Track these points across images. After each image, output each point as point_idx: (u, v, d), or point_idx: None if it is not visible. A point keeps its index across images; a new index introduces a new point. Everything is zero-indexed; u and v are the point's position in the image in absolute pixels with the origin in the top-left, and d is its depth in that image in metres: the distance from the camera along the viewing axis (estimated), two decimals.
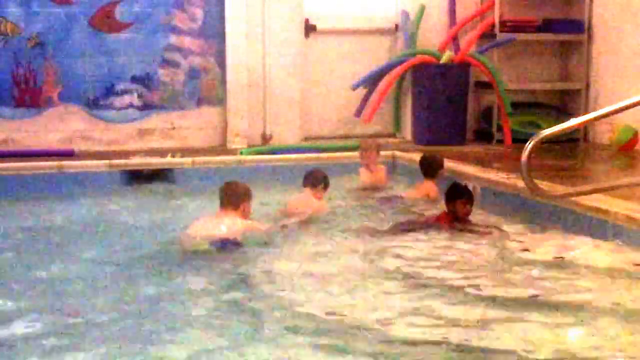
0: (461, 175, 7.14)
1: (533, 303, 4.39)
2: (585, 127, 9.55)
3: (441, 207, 6.15)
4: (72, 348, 3.81)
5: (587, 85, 9.86)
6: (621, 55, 9.34)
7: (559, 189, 6.07)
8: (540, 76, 10.20)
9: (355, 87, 9.42)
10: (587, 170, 8.22)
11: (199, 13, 9.29)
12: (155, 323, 4.15)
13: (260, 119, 9.51)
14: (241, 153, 8.65)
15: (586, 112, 9.24)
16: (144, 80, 9.21)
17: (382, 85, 9.45)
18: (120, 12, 9.09)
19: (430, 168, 7.05)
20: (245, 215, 5.66)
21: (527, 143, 5.26)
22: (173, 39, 9.25)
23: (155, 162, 8.15)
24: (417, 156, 7.49)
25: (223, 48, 9.31)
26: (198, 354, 3.76)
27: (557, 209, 5.91)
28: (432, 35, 9.78)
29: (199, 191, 7.34)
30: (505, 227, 5.99)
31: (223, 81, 9.37)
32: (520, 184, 5.79)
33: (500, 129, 9.61)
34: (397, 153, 8.49)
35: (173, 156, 8.34)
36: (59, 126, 9.03)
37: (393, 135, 9.99)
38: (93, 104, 9.11)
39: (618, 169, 8.03)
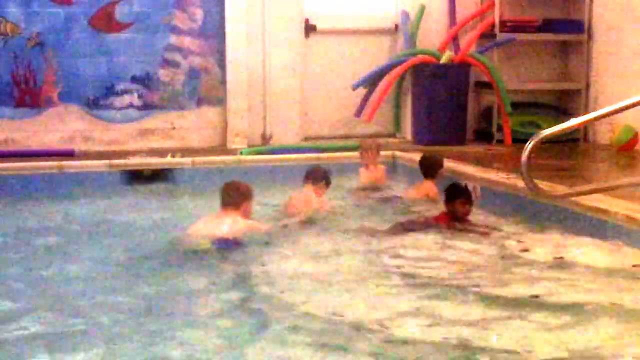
0: (461, 175, 7.13)
1: (533, 303, 4.39)
2: (585, 127, 9.55)
3: (441, 207, 6.14)
4: (72, 348, 3.81)
5: (587, 85, 9.86)
6: (621, 55, 9.34)
7: (559, 189, 6.07)
8: (540, 76, 10.20)
9: (355, 87, 9.43)
10: (587, 170, 8.22)
11: (199, 13, 9.30)
12: (155, 323, 4.16)
13: (260, 119, 9.52)
14: (241, 153, 8.65)
15: (586, 112, 9.25)
16: (144, 80, 9.22)
17: (382, 85, 9.46)
18: (120, 12, 9.10)
19: (430, 168, 7.04)
20: (246, 215, 5.65)
21: (527, 143, 5.26)
22: (173, 39, 9.26)
23: (155, 162, 8.15)
24: (417, 156, 7.48)
25: (223, 48, 9.31)
26: (198, 354, 3.76)
27: (557, 209, 5.91)
28: (432, 35, 9.78)
29: (199, 191, 7.34)
30: (505, 227, 5.99)
31: (223, 81, 9.37)
32: (520, 184, 5.79)
33: (500, 129, 9.62)
34: (397, 153, 8.49)
35: (173, 156, 8.34)
36: (59, 126, 9.03)
37: (393, 135, 9.99)
38: (93, 104, 9.12)
39: (618, 169, 8.03)
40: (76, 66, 9.03)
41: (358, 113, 9.51)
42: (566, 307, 4.30)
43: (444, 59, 9.42)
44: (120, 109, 9.18)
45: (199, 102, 9.40)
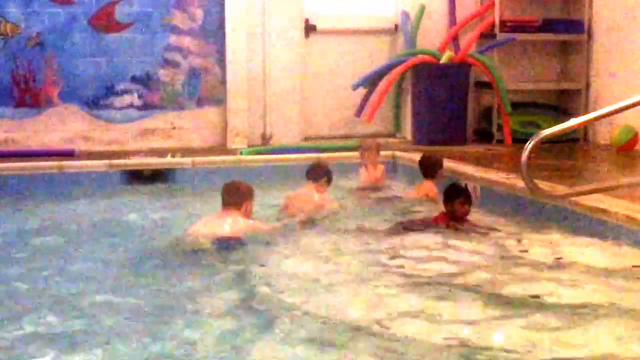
0: (461, 175, 7.14)
1: (533, 303, 4.39)
2: (585, 127, 9.55)
3: (441, 207, 6.14)
4: (72, 348, 3.81)
5: (587, 85, 9.86)
6: (621, 55, 9.34)
7: (559, 189, 6.07)
8: (540, 76, 10.20)
9: (355, 87, 9.43)
10: (587, 170, 8.22)
11: (199, 13, 9.30)
12: (155, 323, 4.15)
13: (260, 119, 9.52)
14: (241, 153, 8.65)
15: (586, 112, 9.25)
16: (144, 80, 9.22)
17: (382, 85, 9.46)
18: (120, 12, 9.10)
19: (430, 168, 7.04)
20: (248, 214, 5.66)
21: (527, 143, 5.26)
22: (173, 39, 9.26)
23: (155, 162, 8.15)
24: (417, 156, 7.48)
25: (223, 48, 9.32)
26: (198, 353, 3.76)
27: (557, 209, 5.91)
28: (432, 35, 9.78)
29: (199, 191, 7.35)
30: (505, 227, 5.99)
31: (223, 81, 9.37)
32: (520, 184, 5.79)
33: (500, 129, 9.62)
34: (397, 153, 8.49)
35: (173, 156, 8.34)
36: (59, 126, 9.04)
37: (393, 135, 9.99)
38: (93, 104, 9.12)
39: (618, 169, 8.03)
40: (76, 66, 9.03)
41: (358, 113, 9.51)
42: (566, 307, 4.30)
43: (444, 59, 9.42)
44: (121, 109, 9.18)
45: (199, 102, 9.40)
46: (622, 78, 9.19)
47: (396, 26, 9.96)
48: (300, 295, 4.56)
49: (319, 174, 6.52)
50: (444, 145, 9.03)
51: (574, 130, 8.58)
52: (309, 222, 6.15)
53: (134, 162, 8.08)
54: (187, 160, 8.17)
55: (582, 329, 3.99)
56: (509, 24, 9.74)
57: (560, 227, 5.81)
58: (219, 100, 9.41)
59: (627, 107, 5.51)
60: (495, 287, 4.68)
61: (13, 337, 3.94)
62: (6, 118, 8.93)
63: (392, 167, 8.30)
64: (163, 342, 3.88)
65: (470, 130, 9.83)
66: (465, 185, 6.51)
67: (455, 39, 9.80)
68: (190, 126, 9.37)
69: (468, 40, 9.65)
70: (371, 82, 9.48)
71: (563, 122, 5.78)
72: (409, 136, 9.81)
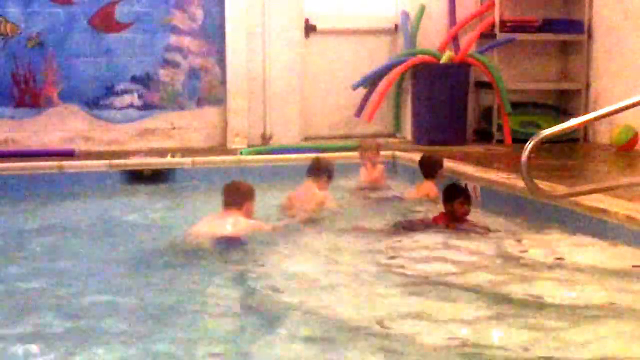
0: (461, 175, 7.14)
1: (533, 303, 4.39)
2: (585, 127, 9.55)
3: (441, 207, 6.14)
4: (72, 348, 3.81)
5: (587, 85, 9.86)
6: (621, 55, 9.34)
7: (559, 189, 6.07)
8: (540, 76, 10.20)
9: (355, 87, 9.43)
10: (587, 170, 8.22)
11: (199, 13, 9.30)
12: (156, 323, 4.16)
13: (260, 119, 9.52)
14: (241, 153, 8.65)
15: (586, 112, 9.24)
16: (144, 80, 9.21)
17: (382, 85, 9.46)
18: (120, 12, 9.10)
19: (430, 168, 7.04)
20: (248, 214, 5.65)
21: (527, 143, 5.26)
22: (173, 39, 9.25)
23: (155, 162, 8.15)
24: (417, 156, 7.48)
25: (223, 48, 9.31)
26: (200, 353, 3.76)
27: (557, 209, 5.91)
28: (432, 35, 9.78)
29: (199, 191, 7.35)
30: (505, 227, 5.99)
31: (223, 81, 9.37)
32: (520, 184, 5.79)
33: (500, 128, 9.62)
34: (397, 153, 8.49)
35: (173, 156, 8.34)
36: (59, 126, 9.03)
37: (393, 135, 9.99)
38: (93, 104, 9.11)
39: (618, 169, 8.03)
40: (76, 66, 9.03)
41: (358, 113, 9.51)
42: (566, 307, 4.31)
43: (444, 59, 9.42)
44: (121, 109, 9.17)
45: (199, 102, 9.40)
46: (622, 78, 9.19)
47: (396, 26, 9.96)
48: (300, 295, 4.56)
49: (320, 170, 6.52)
50: (444, 145, 9.03)
51: (574, 130, 8.59)
52: (309, 222, 6.15)
53: (134, 162, 8.08)
54: (187, 160, 8.17)
55: (582, 329, 3.99)
56: (509, 24, 9.74)
57: (560, 227, 5.81)
58: (219, 100, 9.41)
59: (627, 107, 5.51)
60: (495, 287, 4.69)
61: (13, 337, 3.94)
62: (6, 118, 8.92)
63: (392, 167, 8.30)
64: (163, 342, 3.89)
65: (470, 130, 9.82)
66: (465, 185, 6.52)
67: (455, 39, 9.80)
68: (190, 126, 9.37)
69: (468, 40, 9.65)
70: (371, 82, 9.48)
71: (563, 122, 5.79)
72: (409, 136, 9.81)
